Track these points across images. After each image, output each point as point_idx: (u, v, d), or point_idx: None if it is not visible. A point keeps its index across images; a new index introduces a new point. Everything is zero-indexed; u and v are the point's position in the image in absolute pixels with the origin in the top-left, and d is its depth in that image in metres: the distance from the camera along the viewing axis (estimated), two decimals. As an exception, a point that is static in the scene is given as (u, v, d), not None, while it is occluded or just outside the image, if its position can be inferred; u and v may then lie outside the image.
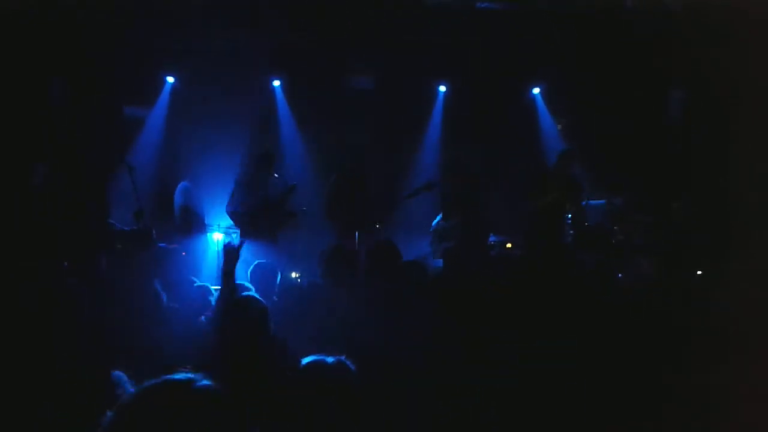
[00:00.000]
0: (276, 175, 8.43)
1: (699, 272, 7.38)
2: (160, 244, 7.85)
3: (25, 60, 8.17)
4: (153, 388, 1.59)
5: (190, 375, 1.62)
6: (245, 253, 8.31)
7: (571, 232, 8.16)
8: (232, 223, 8.53)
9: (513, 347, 3.86)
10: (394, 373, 3.27)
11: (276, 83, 9.95)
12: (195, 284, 5.45)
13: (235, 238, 8.04)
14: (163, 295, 4.22)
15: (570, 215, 8.16)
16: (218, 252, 8.29)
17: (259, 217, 7.98)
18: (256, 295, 4.66)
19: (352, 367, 2.43)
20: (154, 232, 7.72)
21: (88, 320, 3.27)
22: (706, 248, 7.59)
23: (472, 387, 3.42)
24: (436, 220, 8.33)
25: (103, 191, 7.84)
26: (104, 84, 8.93)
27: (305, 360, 2.44)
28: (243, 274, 5.48)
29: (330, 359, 2.43)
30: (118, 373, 2.83)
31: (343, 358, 2.46)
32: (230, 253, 4.10)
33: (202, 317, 4.54)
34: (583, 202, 8.99)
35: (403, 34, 9.08)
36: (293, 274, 8.23)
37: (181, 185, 8.52)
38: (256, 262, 5.62)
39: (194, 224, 8.43)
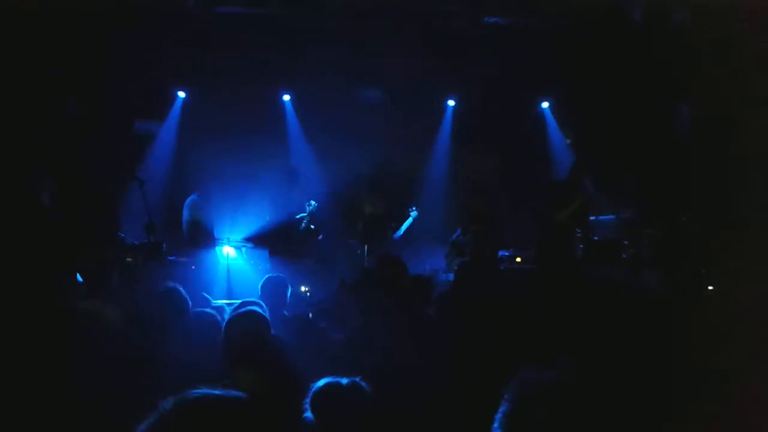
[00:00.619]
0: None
1: (709, 287, 7.34)
2: (170, 258, 7.89)
3: (37, 74, 8.26)
4: (191, 400, 1.60)
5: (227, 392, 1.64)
6: (256, 265, 8.39)
7: (581, 246, 8.14)
8: (241, 237, 8.58)
9: (521, 362, 3.85)
10: (408, 392, 3.27)
11: (286, 97, 10.00)
12: (211, 303, 5.44)
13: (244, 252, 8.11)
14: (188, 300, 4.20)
15: (578, 229, 8.14)
16: (227, 266, 8.33)
17: (285, 235, 8.09)
18: (258, 309, 4.68)
19: (367, 388, 2.42)
20: (164, 245, 7.76)
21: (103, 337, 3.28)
22: (716, 262, 7.55)
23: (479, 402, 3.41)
24: (456, 234, 8.42)
25: (115, 205, 7.90)
26: (116, 98, 9.00)
27: (320, 383, 2.42)
28: (254, 289, 5.51)
29: (344, 381, 2.42)
30: None
31: (357, 379, 2.44)
32: None
33: None
34: (592, 217, 8.99)
35: (412, 47, 9.12)
36: (302, 288, 8.25)
37: (189, 199, 8.56)
38: (266, 276, 5.64)
39: (202, 238, 8.47)
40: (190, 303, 4.13)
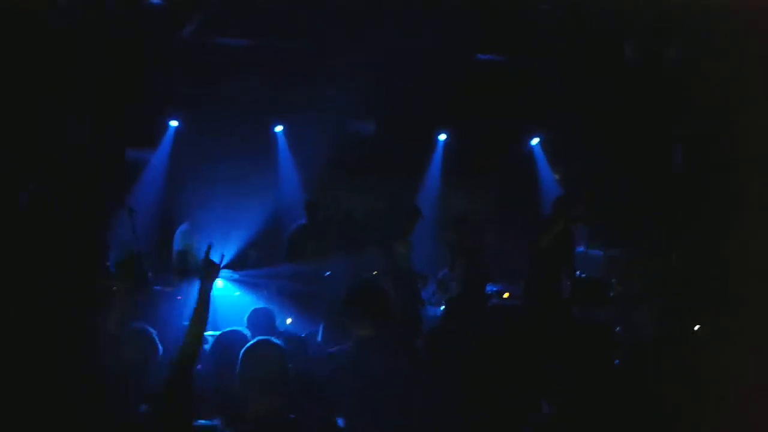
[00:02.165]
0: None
1: (697, 326, 7.33)
2: (156, 287, 7.82)
3: (29, 97, 8.25)
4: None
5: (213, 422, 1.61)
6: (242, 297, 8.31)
7: (568, 283, 8.10)
8: (230, 267, 8.53)
9: (510, 399, 3.82)
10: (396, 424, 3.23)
11: (278, 128, 10.03)
12: None
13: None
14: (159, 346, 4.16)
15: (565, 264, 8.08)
16: (213, 297, 8.24)
17: None
18: (242, 329, 4.62)
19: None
20: (150, 274, 7.70)
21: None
22: (706, 300, 7.56)
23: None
24: (442, 273, 8.40)
25: (103, 234, 7.85)
26: (107, 126, 8.99)
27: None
28: (239, 319, 5.45)
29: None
30: None
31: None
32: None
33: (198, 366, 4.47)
34: (581, 248, 8.99)
35: (406, 81, 9.20)
36: (287, 321, 8.18)
37: (181, 228, 8.52)
38: (253, 308, 5.59)
39: (193, 267, 8.39)
40: (159, 348, 4.09)
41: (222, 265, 3.69)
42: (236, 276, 8.90)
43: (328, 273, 8.42)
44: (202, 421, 1.44)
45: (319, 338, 5.35)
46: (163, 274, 8.20)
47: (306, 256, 8.56)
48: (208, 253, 3.53)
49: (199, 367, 4.36)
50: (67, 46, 8.13)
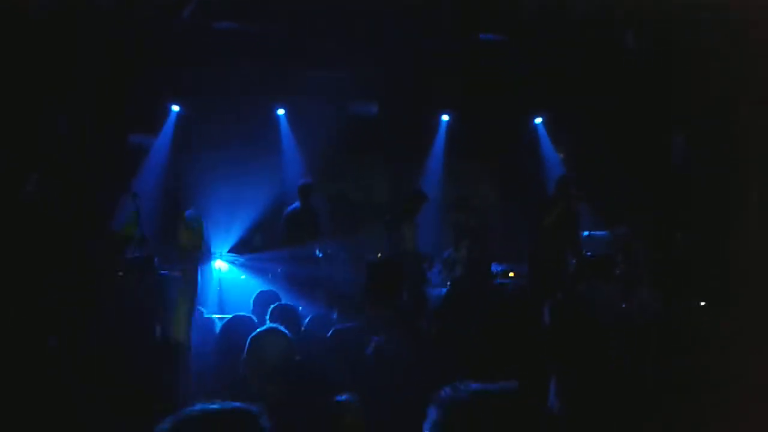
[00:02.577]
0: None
1: (702, 303, 7.35)
2: (162, 272, 7.85)
3: (30, 86, 8.24)
4: (193, 416, 1.58)
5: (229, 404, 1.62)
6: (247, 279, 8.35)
7: (573, 261, 8.12)
8: (234, 251, 8.57)
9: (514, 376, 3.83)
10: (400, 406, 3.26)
11: (280, 111, 10.02)
12: (203, 315, 5.42)
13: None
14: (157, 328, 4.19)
15: (569, 242, 8.08)
16: (219, 280, 8.30)
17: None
18: (251, 315, 4.66)
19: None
20: (156, 259, 7.72)
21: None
22: (709, 279, 7.56)
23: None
24: (448, 252, 8.43)
25: (108, 218, 7.88)
26: (109, 112, 8.99)
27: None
28: (245, 302, 5.48)
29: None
30: None
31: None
32: None
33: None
34: (586, 232, 8.99)
35: (408, 63, 9.16)
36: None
37: (187, 212, 8.48)
38: (258, 291, 5.61)
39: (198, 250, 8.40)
40: None
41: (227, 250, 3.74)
42: (241, 260, 8.95)
43: (320, 254, 8.46)
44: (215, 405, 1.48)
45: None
46: (168, 258, 8.23)
47: (301, 240, 8.59)
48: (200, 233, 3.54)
49: (208, 350, 4.42)
50: (68, 33, 8.11)
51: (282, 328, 3.57)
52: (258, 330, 3.47)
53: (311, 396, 3.21)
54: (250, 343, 3.31)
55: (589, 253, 8.51)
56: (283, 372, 3.22)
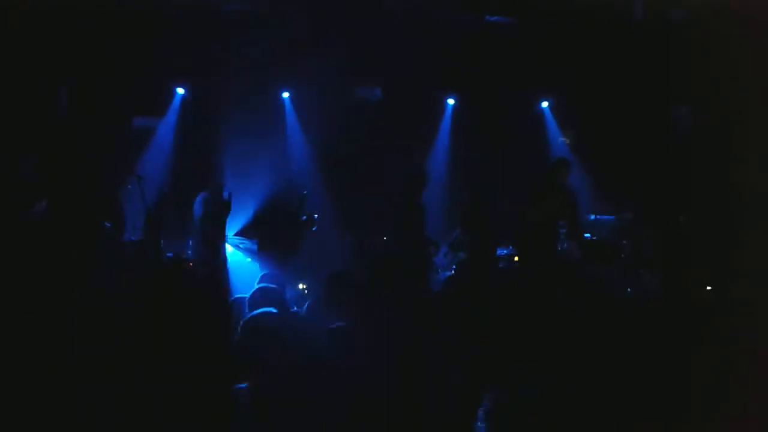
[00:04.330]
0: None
1: (708, 287, 7.33)
2: (168, 255, 7.87)
3: (35, 68, 8.23)
4: None
5: None
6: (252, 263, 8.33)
7: (566, 245, 8.02)
8: (240, 234, 8.56)
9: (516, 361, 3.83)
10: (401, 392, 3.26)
11: (285, 95, 9.99)
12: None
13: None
14: None
15: (565, 226, 7.96)
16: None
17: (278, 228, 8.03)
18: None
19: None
20: (161, 242, 7.73)
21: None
22: (714, 262, 7.54)
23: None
24: (454, 234, 8.42)
25: (116, 201, 7.88)
26: (114, 94, 8.97)
27: None
28: (250, 284, 5.47)
29: None
30: None
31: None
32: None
33: None
34: (592, 216, 8.95)
35: (413, 45, 9.11)
36: (300, 286, 8.23)
37: (201, 196, 8.38)
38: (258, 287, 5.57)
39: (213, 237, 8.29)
40: None
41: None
42: (247, 243, 8.96)
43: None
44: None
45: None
46: (173, 240, 8.25)
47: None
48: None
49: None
50: (71, 14, 8.09)
51: (274, 310, 3.58)
52: (252, 313, 3.48)
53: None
54: (243, 326, 3.32)
55: (594, 238, 8.49)
56: (275, 355, 3.21)
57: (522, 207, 7.72)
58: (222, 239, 8.06)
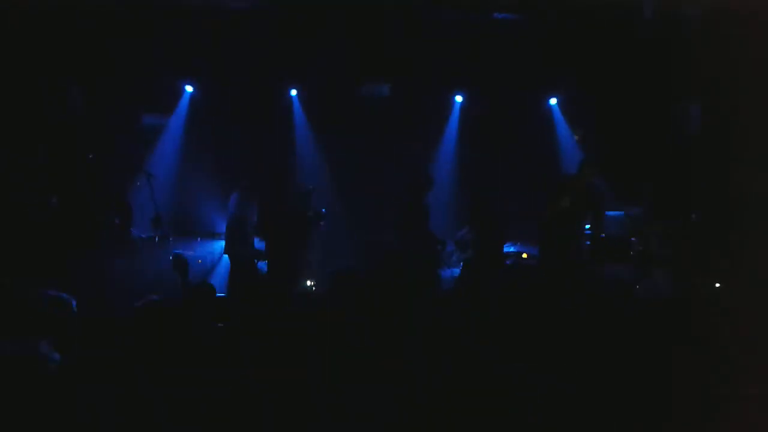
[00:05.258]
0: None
1: (717, 284, 7.29)
2: (176, 251, 7.91)
3: (44, 66, 8.28)
4: None
5: None
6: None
7: (588, 243, 8.03)
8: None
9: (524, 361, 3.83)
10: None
11: (293, 92, 10.00)
12: None
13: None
14: None
15: (589, 225, 7.97)
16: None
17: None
18: None
19: None
20: (171, 239, 7.79)
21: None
22: (724, 259, 7.50)
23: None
24: (462, 232, 8.42)
25: (124, 198, 7.94)
26: (123, 92, 9.02)
27: None
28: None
29: None
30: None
31: None
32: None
33: None
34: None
35: (421, 42, 9.09)
36: (308, 283, 8.25)
37: (234, 195, 8.35)
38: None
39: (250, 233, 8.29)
40: None
41: None
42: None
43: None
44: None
45: None
46: (181, 236, 8.30)
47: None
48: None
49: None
50: (80, 11, 8.13)
51: None
52: None
53: None
54: None
55: (603, 235, 8.44)
56: None
57: (543, 199, 7.66)
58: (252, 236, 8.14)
